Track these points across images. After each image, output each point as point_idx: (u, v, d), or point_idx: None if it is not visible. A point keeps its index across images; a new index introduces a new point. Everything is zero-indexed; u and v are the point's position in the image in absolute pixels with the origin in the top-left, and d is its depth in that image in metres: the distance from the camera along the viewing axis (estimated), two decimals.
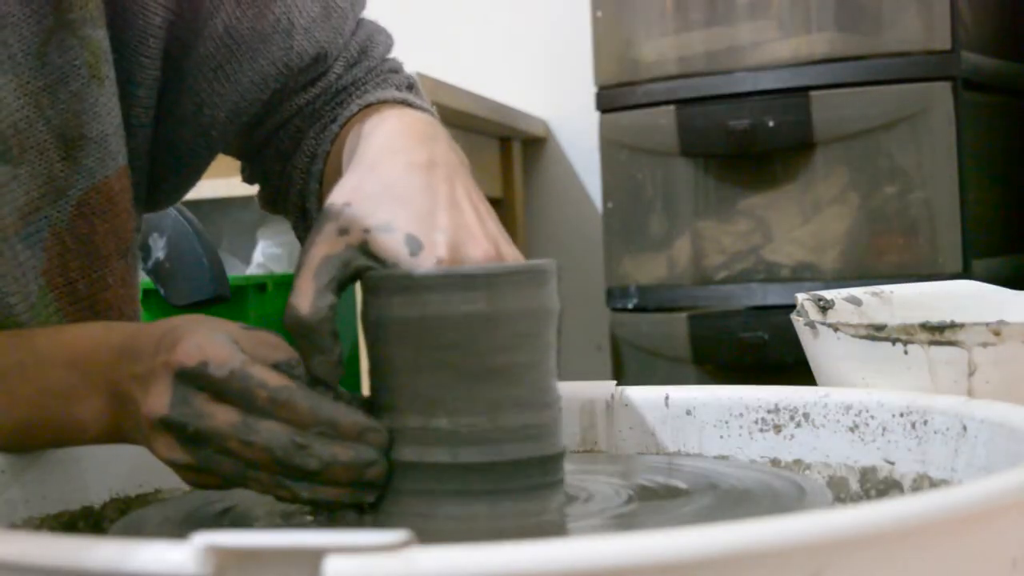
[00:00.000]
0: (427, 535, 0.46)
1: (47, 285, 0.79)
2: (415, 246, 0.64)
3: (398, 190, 0.66)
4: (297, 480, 0.62)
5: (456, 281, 0.61)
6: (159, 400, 0.63)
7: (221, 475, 0.63)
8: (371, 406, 0.64)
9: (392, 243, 0.64)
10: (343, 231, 0.64)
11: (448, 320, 0.61)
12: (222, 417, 0.62)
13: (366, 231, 0.64)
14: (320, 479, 0.61)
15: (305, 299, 0.62)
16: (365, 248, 0.64)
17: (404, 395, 0.62)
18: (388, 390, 0.63)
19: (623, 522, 0.61)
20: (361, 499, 0.63)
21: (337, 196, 0.66)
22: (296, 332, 0.63)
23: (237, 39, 0.86)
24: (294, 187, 0.91)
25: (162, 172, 0.91)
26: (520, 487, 0.61)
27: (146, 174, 0.90)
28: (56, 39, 0.79)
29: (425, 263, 0.63)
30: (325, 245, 0.63)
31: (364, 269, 0.64)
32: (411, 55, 0.96)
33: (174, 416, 0.62)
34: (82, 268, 0.81)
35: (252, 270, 2.53)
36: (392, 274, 0.63)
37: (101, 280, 0.82)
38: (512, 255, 0.67)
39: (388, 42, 0.94)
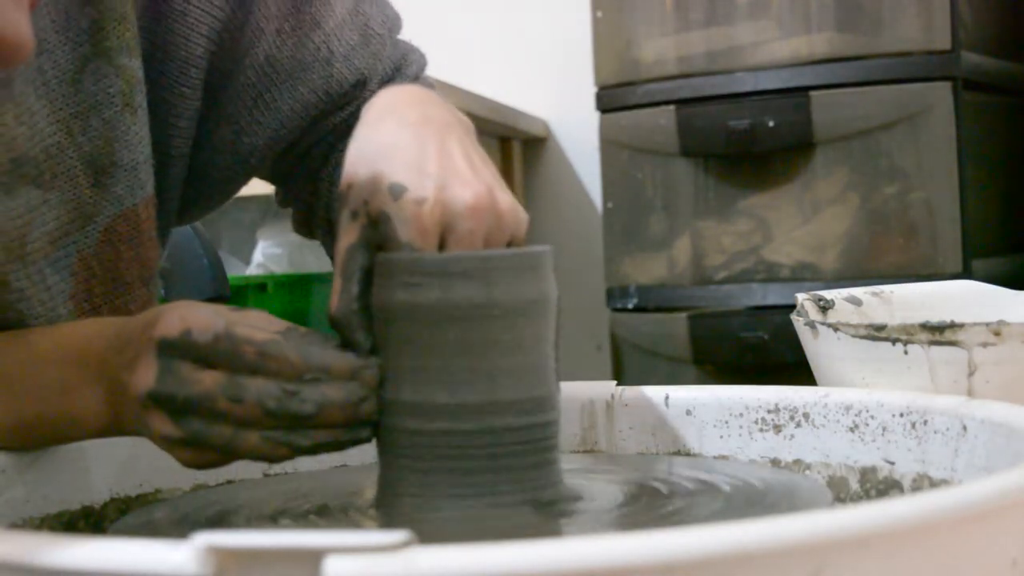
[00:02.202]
0: (427, 535, 0.46)
1: (75, 310, 0.79)
2: (397, 191, 0.63)
3: (388, 148, 0.67)
4: (292, 431, 0.62)
5: (453, 265, 0.61)
6: (146, 375, 0.63)
7: (214, 445, 0.62)
8: (359, 347, 0.64)
9: (379, 198, 0.64)
10: (354, 215, 0.64)
11: (448, 305, 0.61)
12: (209, 381, 0.62)
13: (366, 203, 0.64)
14: (315, 423, 0.62)
15: (334, 295, 0.64)
16: (372, 219, 0.64)
17: (403, 367, 0.62)
18: (390, 368, 0.63)
19: (623, 522, 0.61)
20: (358, 436, 0.63)
21: (343, 181, 0.66)
22: (333, 328, 0.64)
23: (277, 68, 0.86)
24: (321, 201, 0.92)
25: (193, 197, 0.91)
26: (515, 439, 0.62)
27: (177, 202, 0.90)
28: (91, 67, 0.79)
29: (407, 208, 0.63)
30: (345, 237, 0.64)
31: (382, 243, 0.64)
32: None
33: (161, 388, 0.62)
34: (106, 294, 0.81)
35: (252, 270, 2.53)
36: (391, 258, 0.63)
37: (124, 307, 0.82)
38: (507, 201, 0.66)
39: (421, 61, 0.94)
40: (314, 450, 0.63)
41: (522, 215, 0.67)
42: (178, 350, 0.63)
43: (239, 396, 0.61)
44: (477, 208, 0.64)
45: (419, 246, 0.63)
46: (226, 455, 0.64)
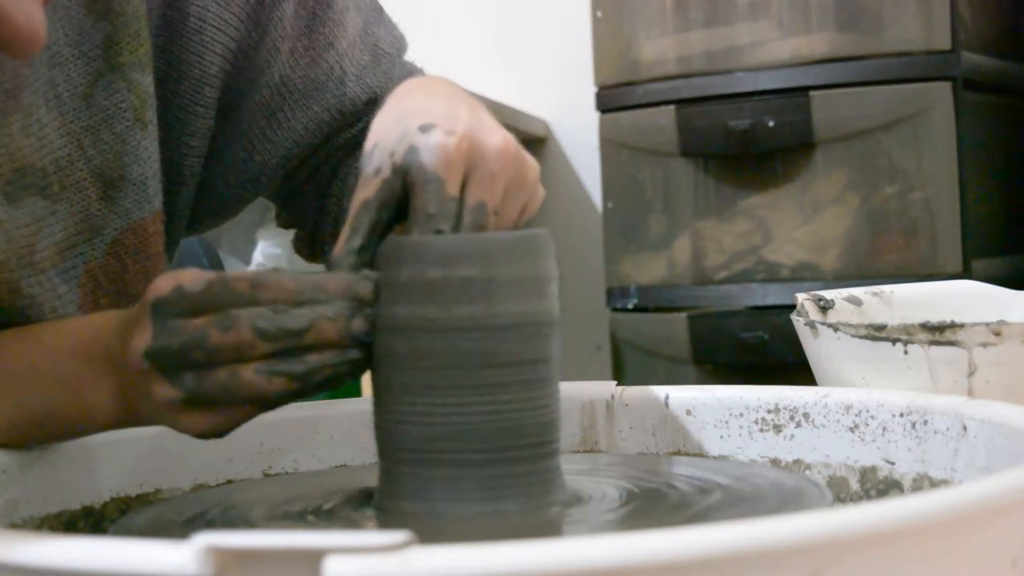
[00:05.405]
0: (427, 535, 0.46)
1: None
2: (427, 127, 0.65)
3: (417, 108, 0.68)
4: (287, 358, 0.61)
5: (456, 249, 0.61)
6: (142, 338, 0.63)
7: (212, 395, 0.62)
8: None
9: (408, 138, 0.65)
10: (377, 171, 0.65)
11: (449, 284, 0.61)
12: (201, 321, 0.62)
13: (392, 154, 0.65)
14: (308, 341, 0.61)
15: (338, 244, 0.64)
16: (397, 171, 0.64)
17: (399, 284, 0.62)
18: (386, 290, 0.63)
19: (623, 522, 0.61)
20: (353, 358, 0.63)
21: (368, 143, 0.67)
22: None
23: (291, 87, 0.87)
24: (329, 217, 0.92)
25: (201, 213, 0.91)
26: (513, 360, 0.62)
27: (186, 220, 0.90)
28: (104, 81, 0.79)
29: (435, 138, 0.64)
30: (362, 191, 0.65)
31: (406, 174, 0.64)
32: (410, 55, 0.96)
33: (157, 344, 0.62)
34: (111, 306, 0.81)
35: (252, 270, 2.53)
36: (394, 240, 0.63)
37: None
38: (533, 162, 0.68)
39: None
40: (309, 376, 0.62)
41: (541, 188, 0.68)
42: (172, 305, 0.63)
43: (230, 324, 0.61)
44: (504, 153, 0.65)
45: (443, 176, 0.63)
46: (226, 405, 0.63)
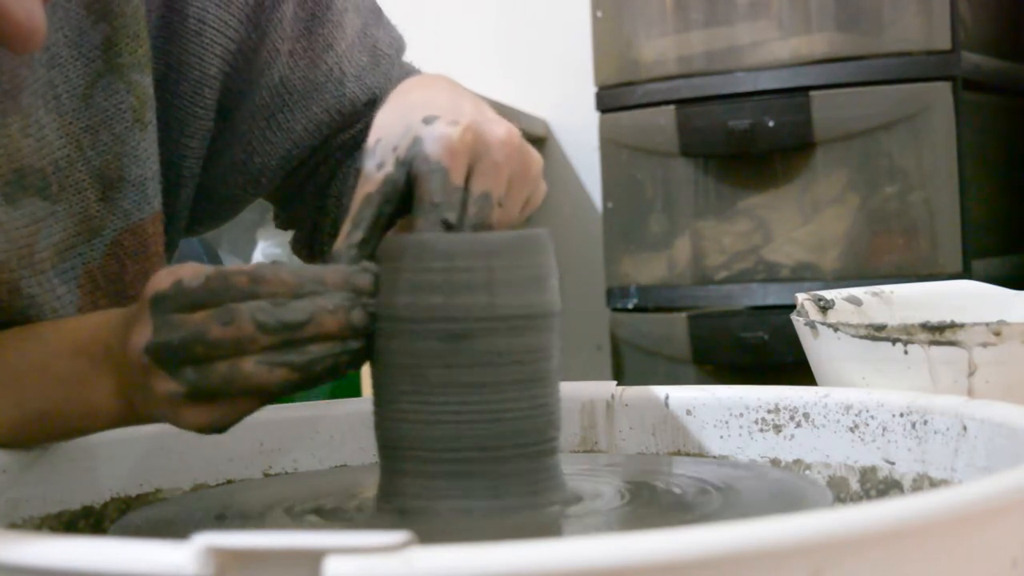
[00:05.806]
0: (427, 535, 0.46)
1: None
2: (430, 119, 0.65)
3: (422, 101, 0.68)
4: (288, 349, 0.61)
5: (456, 247, 0.61)
6: (142, 333, 0.63)
7: (213, 387, 0.62)
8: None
9: (412, 130, 0.65)
10: (380, 166, 0.65)
11: (449, 279, 0.61)
12: (201, 315, 0.62)
13: (395, 149, 0.65)
14: (309, 334, 0.61)
15: (340, 237, 0.64)
16: (400, 165, 0.65)
17: (400, 280, 0.62)
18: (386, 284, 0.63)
19: (623, 522, 0.61)
20: (353, 348, 0.63)
21: (371, 137, 0.67)
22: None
23: (290, 89, 0.87)
24: (328, 217, 0.92)
25: (200, 214, 0.91)
26: (515, 350, 0.62)
27: (185, 222, 0.90)
28: (103, 82, 0.79)
29: (439, 128, 0.64)
30: (364, 186, 0.65)
31: (410, 163, 0.65)
32: (409, 55, 0.96)
33: (157, 339, 0.62)
34: (110, 307, 0.80)
35: None
36: (395, 238, 0.63)
37: None
38: (537, 156, 0.68)
39: None
40: (310, 366, 0.62)
41: (544, 183, 0.69)
42: (171, 300, 0.62)
43: (231, 318, 0.61)
44: (509, 144, 0.65)
45: (447, 165, 0.63)
46: (228, 399, 0.63)
